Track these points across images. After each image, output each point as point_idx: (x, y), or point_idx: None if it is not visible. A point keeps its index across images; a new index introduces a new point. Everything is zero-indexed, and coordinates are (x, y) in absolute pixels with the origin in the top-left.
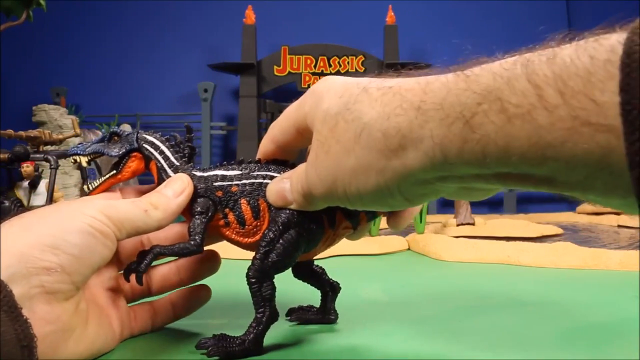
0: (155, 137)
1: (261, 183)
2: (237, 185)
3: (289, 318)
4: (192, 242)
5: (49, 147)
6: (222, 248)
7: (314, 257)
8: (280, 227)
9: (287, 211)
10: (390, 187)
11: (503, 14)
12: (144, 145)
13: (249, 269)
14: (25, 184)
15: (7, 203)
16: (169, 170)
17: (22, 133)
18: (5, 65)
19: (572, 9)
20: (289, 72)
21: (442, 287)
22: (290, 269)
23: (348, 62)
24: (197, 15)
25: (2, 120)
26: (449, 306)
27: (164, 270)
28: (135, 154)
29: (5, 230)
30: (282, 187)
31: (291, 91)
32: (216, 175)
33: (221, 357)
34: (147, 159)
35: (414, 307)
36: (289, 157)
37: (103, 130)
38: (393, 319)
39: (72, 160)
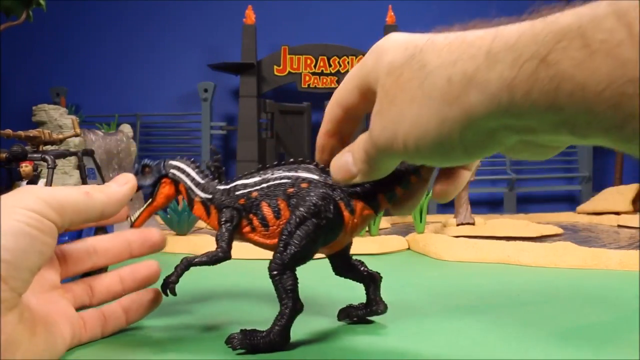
0: (180, 162)
1: (278, 184)
2: (257, 190)
3: (340, 319)
4: (219, 250)
5: (48, 147)
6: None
7: (338, 249)
8: (298, 219)
9: (304, 203)
10: (451, 135)
11: (503, 14)
12: (171, 171)
13: (270, 262)
14: (24, 183)
15: None
16: (195, 189)
17: (21, 133)
18: (5, 65)
19: None
20: (289, 72)
21: (442, 287)
22: (330, 266)
23: (348, 62)
24: (197, 15)
25: (1, 120)
26: (449, 306)
27: (107, 280)
28: (165, 180)
29: None
30: (345, 160)
31: (291, 91)
32: (237, 185)
33: (247, 350)
34: (176, 182)
35: (414, 306)
36: (354, 124)
37: (102, 129)
38: (393, 318)
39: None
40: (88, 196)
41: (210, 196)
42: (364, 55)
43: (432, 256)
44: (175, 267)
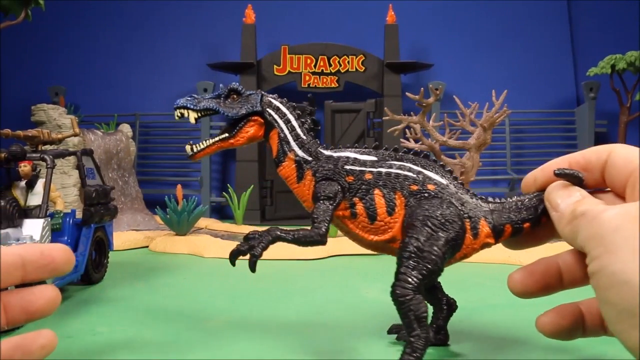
0: (281, 103)
1: (401, 175)
2: (372, 172)
3: (391, 334)
4: (317, 231)
5: (47, 147)
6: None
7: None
8: (427, 232)
9: (431, 212)
10: None
11: (504, 14)
12: (268, 109)
13: (394, 285)
14: (23, 183)
15: (2, 202)
16: (293, 143)
17: (20, 132)
18: (3, 64)
19: (572, 9)
20: (289, 72)
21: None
22: None
23: (348, 62)
24: (197, 14)
25: (0, 119)
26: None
27: None
28: (256, 117)
29: None
30: (570, 194)
31: (291, 91)
32: (348, 157)
33: None
34: (269, 126)
35: None
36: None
37: (101, 129)
38: (393, 318)
39: (179, 115)
40: None
41: (310, 158)
42: (364, 54)
43: None
44: (257, 237)
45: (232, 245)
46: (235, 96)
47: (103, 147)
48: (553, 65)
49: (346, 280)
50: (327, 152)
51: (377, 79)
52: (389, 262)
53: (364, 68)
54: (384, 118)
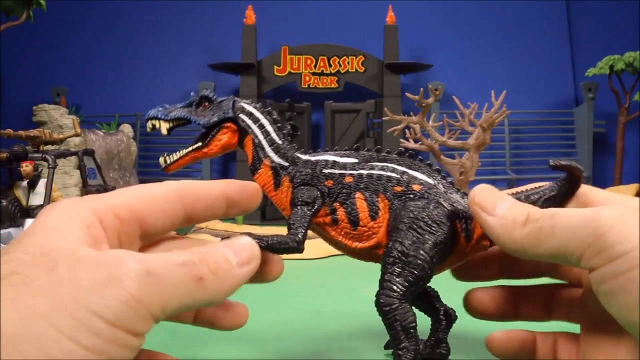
0: (254, 108)
1: (383, 176)
2: (352, 175)
3: (387, 348)
4: (292, 237)
5: (49, 147)
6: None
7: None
8: (412, 236)
9: (415, 212)
10: None
11: (503, 14)
12: (240, 115)
13: (378, 294)
14: (24, 183)
15: (4, 202)
16: (268, 149)
17: (21, 133)
18: (5, 65)
19: (572, 9)
20: (289, 72)
21: (442, 286)
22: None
23: (348, 62)
24: (197, 15)
25: (2, 120)
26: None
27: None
28: (229, 124)
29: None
30: (502, 197)
31: (291, 91)
32: (326, 161)
33: None
34: (243, 132)
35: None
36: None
37: (102, 129)
38: None
39: (150, 126)
40: (199, 287)
41: (286, 163)
42: (364, 55)
43: None
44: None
45: None
46: (206, 104)
47: (104, 147)
48: (552, 65)
49: (346, 280)
50: (305, 157)
51: (376, 79)
52: None
53: (363, 68)
54: (383, 118)
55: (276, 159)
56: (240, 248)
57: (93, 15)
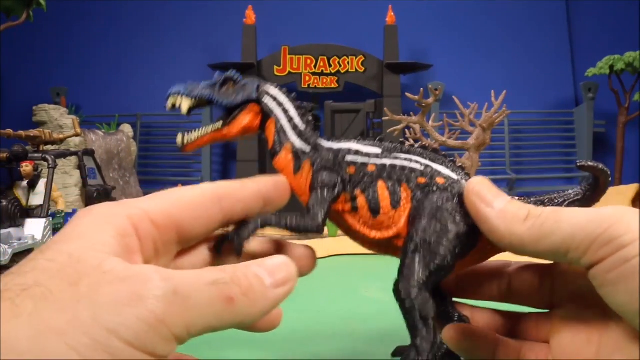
0: (279, 91)
1: (407, 167)
2: (376, 164)
3: (394, 356)
4: (313, 219)
5: (49, 147)
6: None
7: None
8: (437, 224)
9: (440, 204)
10: None
11: (503, 14)
12: (265, 97)
13: (397, 282)
14: (24, 183)
15: (4, 202)
16: (290, 133)
17: (21, 133)
18: (5, 65)
19: (572, 9)
20: (289, 72)
21: None
22: None
23: (348, 62)
24: (197, 15)
25: (2, 120)
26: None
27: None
28: (252, 106)
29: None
30: (499, 192)
31: (291, 91)
32: (349, 148)
33: None
34: (266, 115)
35: None
36: None
37: (102, 129)
38: (393, 317)
39: (170, 104)
40: (229, 308)
41: (308, 149)
42: (364, 55)
43: None
44: (245, 224)
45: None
46: (231, 85)
47: (104, 147)
48: (552, 65)
49: (346, 280)
50: (328, 144)
51: (376, 79)
52: (389, 262)
53: (363, 69)
54: (383, 118)
55: (298, 143)
56: (275, 268)
57: (93, 16)
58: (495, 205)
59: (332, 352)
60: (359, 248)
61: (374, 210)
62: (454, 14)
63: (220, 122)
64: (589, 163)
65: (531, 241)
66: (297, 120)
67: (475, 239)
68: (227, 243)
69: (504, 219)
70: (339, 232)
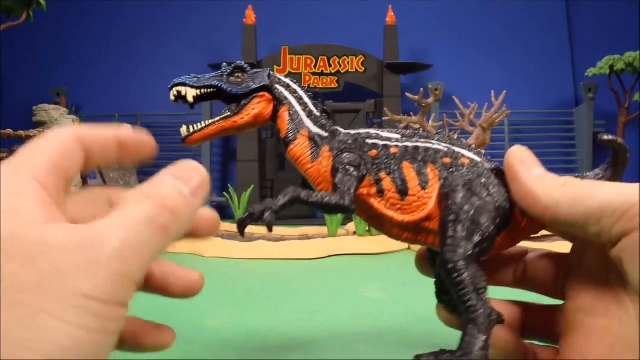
0: (292, 80)
1: (431, 148)
2: (398, 147)
3: None
4: (342, 197)
5: None
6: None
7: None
8: (473, 196)
9: (472, 177)
10: None
11: (503, 14)
12: (277, 85)
13: (442, 252)
14: None
15: None
16: (306, 120)
17: (21, 133)
18: (5, 65)
19: (572, 9)
20: (289, 72)
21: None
22: (435, 289)
23: (348, 62)
24: (197, 15)
25: (2, 120)
26: None
27: None
28: (263, 93)
29: None
30: (544, 169)
31: None
32: (369, 132)
33: None
34: (279, 103)
35: (414, 305)
36: None
37: None
38: (393, 317)
39: (174, 94)
40: (166, 236)
41: (325, 134)
42: (364, 55)
43: None
44: (270, 200)
45: (233, 244)
46: (240, 74)
47: None
48: (552, 66)
49: (346, 280)
50: (345, 131)
51: (376, 79)
52: (389, 262)
53: (363, 69)
54: (383, 118)
55: (314, 129)
56: (188, 174)
57: (93, 16)
58: (535, 171)
59: (332, 352)
60: (359, 248)
61: (402, 191)
62: (454, 14)
63: (228, 112)
64: (610, 137)
65: (567, 205)
66: (312, 107)
67: (509, 216)
68: (250, 221)
69: (542, 182)
70: (339, 232)
